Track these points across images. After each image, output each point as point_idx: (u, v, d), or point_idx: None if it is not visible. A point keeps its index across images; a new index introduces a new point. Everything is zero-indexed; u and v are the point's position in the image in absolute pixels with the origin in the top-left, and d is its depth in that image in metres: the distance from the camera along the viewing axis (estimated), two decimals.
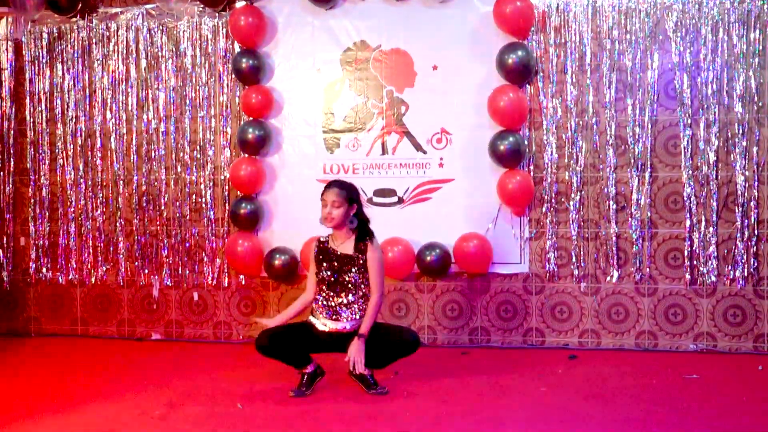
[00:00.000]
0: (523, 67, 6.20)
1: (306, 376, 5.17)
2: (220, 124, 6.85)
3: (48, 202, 7.15)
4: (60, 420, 4.74)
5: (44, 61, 7.10)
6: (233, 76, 6.74)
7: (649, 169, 6.28)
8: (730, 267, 6.20)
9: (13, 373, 5.91)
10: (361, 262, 5.05)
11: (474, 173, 6.47)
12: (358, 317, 5.07)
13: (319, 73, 6.69)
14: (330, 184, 5.14)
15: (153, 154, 6.95)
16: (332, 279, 5.07)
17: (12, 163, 7.18)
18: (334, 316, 5.08)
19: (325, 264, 5.11)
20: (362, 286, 5.08)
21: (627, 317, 6.37)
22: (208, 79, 6.86)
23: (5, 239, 7.22)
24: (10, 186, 7.19)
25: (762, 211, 6.15)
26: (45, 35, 7.08)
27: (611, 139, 6.31)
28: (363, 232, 5.12)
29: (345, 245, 5.12)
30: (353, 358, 4.96)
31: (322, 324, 5.12)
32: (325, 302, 5.11)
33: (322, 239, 5.21)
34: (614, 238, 6.33)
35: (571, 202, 6.38)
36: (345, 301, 5.07)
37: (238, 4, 6.66)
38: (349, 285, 5.06)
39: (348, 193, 5.08)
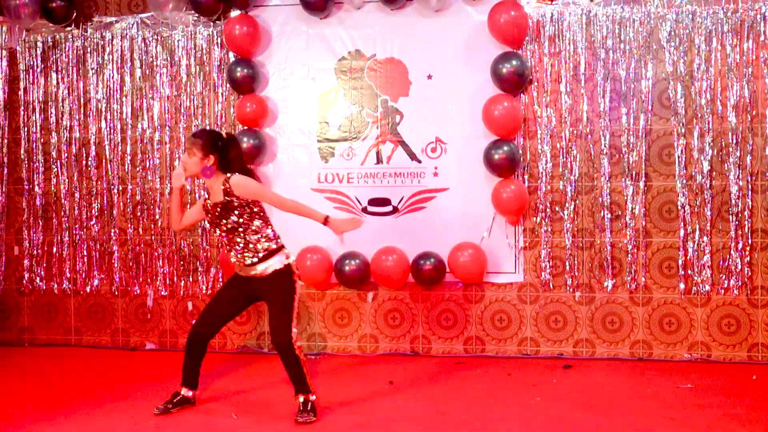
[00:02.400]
0: (517, 76, 6.22)
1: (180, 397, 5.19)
2: None
3: (42, 210, 7.13)
4: (54, 430, 4.72)
5: (39, 70, 7.09)
6: (228, 85, 6.73)
7: (643, 179, 6.29)
8: (724, 276, 6.20)
9: (6, 383, 5.88)
10: (234, 201, 4.79)
11: (468, 182, 6.47)
12: (261, 256, 4.87)
13: (314, 82, 6.70)
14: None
15: (147, 163, 6.95)
16: (224, 231, 4.89)
17: (5, 171, 7.17)
18: (246, 261, 4.89)
19: (209, 219, 4.96)
20: (247, 226, 4.84)
21: (621, 327, 6.37)
22: (202, 89, 6.86)
23: None
24: (4, 195, 7.17)
25: (756, 220, 6.17)
26: (39, 44, 7.07)
27: (605, 149, 6.32)
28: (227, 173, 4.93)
29: (214, 193, 4.89)
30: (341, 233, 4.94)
31: (242, 271, 4.98)
32: (236, 254, 4.92)
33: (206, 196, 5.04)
34: (608, 248, 6.34)
35: (566, 212, 6.39)
36: (242, 244, 4.87)
37: (233, 14, 6.67)
38: (238, 229, 4.85)
39: (203, 142, 4.86)
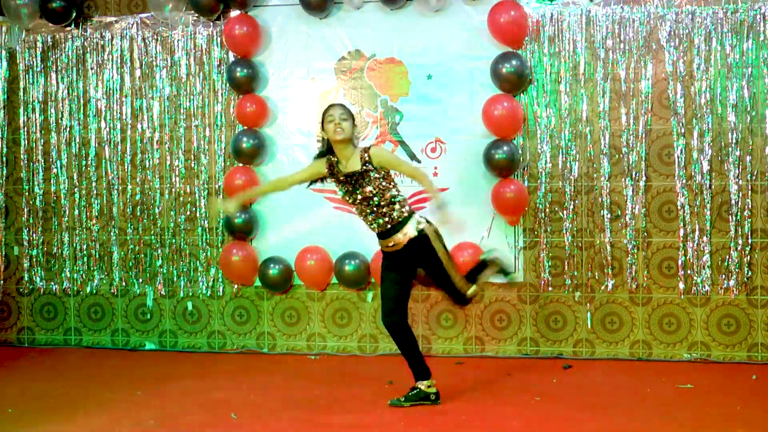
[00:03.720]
0: (517, 76, 6.22)
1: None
2: (215, 133, 6.84)
3: (42, 211, 7.13)
4: (54, 430, 4.72)
5: (38, 69, 7.09)
6: (227, 85, 6.73)
7: (643, 179, 6.29)
8: (723, 276, 6.20)
9: (6, 383, 5.88)
10: (372, 168, 4.97)
11: (468, 182, 6.47)
12: (393, 224, 4.99)
13: (314, 82, 6.70)
14: (332, 105, 5.15)
15: (147, 163, 6.95)
16: (356, 200, 5.03)
17: (5, 171, 7.17)
18: (380, 229, 5.03)
19: (343, 187, 5.09)
20: (385, 190, 4.98)
21: (621, 327, 6.37)
22: (202, 88, 6.86)
23: None
24: (2, 195, 7.17)
25: (755, 220, 6.16)
26: (39, 44, 7.07)
27: (605, 149, 6.32)
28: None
29: (350, 163, 5.02)
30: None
31: (381, 245, 5.14)
32: (366, 220, 5.08)
33: (331, 159, 5.12)
34: (608, 248, 6.34)
35: (565, 212, 6.39)
36: (375, 213, 5.00)
37: (233, 13, 6.67)
38: (374, 196, 4.97)
39: (351, 111, 5.11)
